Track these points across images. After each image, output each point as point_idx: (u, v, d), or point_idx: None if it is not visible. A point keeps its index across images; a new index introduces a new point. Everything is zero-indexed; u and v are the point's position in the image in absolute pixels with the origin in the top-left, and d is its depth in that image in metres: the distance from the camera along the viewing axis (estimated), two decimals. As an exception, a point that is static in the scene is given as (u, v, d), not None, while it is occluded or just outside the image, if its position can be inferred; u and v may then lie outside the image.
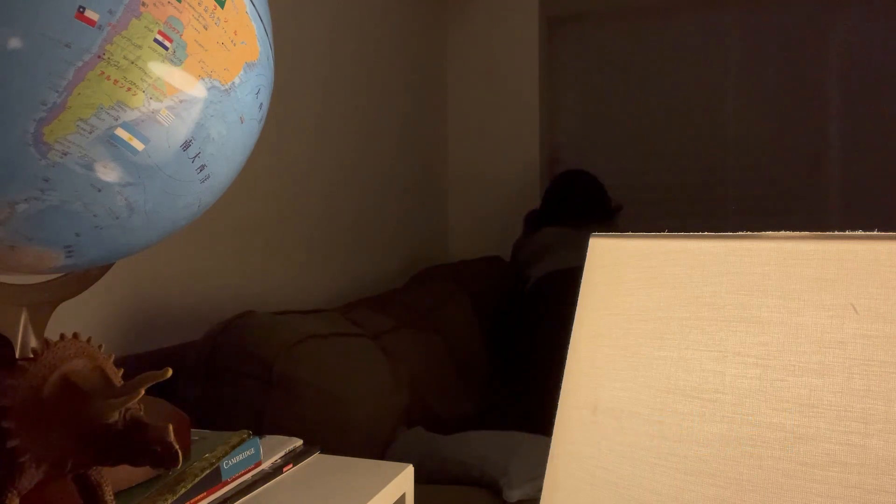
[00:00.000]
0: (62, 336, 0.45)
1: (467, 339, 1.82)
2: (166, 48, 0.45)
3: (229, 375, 1.05)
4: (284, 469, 0.74)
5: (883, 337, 0.30)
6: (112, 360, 0.48)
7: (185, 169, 0.50)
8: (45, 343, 0.45)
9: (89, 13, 0.41)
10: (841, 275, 0.31)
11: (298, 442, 0.79)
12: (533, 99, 2.57)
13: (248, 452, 0.70)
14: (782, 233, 0.33)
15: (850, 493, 0.29)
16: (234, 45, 0.50)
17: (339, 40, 1.83)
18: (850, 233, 0.32)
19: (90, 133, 0.43)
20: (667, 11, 2.52)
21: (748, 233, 0.34)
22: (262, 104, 0.57)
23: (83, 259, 0.52)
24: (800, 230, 0.33)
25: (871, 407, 0.30)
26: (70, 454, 0.43)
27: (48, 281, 0.60)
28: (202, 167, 0.52)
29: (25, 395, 0.43)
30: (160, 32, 0.44)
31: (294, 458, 0.77)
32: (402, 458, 1.14)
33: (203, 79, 0.48)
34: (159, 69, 0.45)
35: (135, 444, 0.43)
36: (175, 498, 0.58)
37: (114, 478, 0.54)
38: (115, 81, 0.43)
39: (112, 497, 0.48)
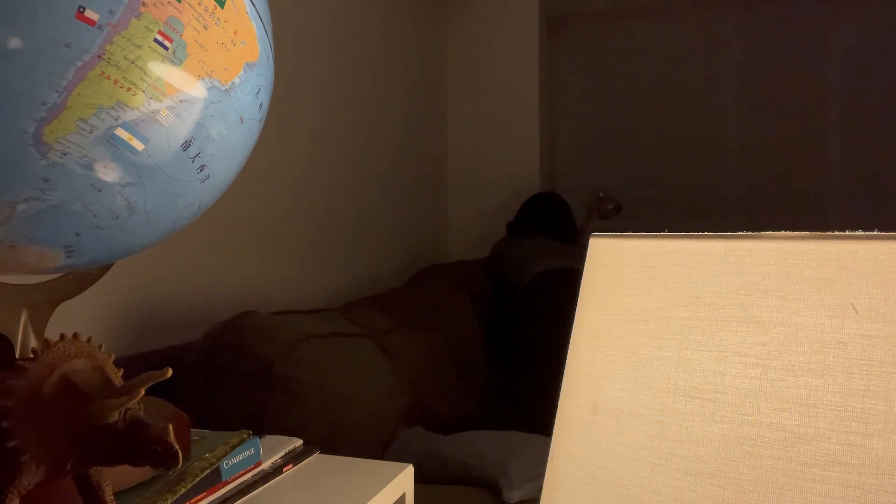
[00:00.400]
0: (62, 336, 0.45)
1: (467, 339, 1.82)
2: (166, 48, 0.45)
3: (229, 375, 1.05)
4: (284, 469, 0.74)
5: (883, 337, 0.30)
6: (112, 360, 0.48)
7: (185, 169, 0.50)
8: (45, 343, 0.45)
9: (89, 13, 0.41)
10: (841, 275, 0.31)
11: (298, 442, 0.79)
12: (533, 99, 2.57)
13: (248, 452, 0.70)
14: (782, 233, 0.33)
15: (850, 493, 0.30)
16: (234, 45, 0.50)
17: (339, 40, 1.83)
18: (850, 233, 0.32)
19: (90, 133, 0.43)
20: (667, 11, 2.52)
21: (748, 233, 0.35)
22: (262, 104, 0.57)
23: (83, 259, 0.52)
24: (800, 230, 0.33)
25: (871, 407, 0.30)
26: (70, 454, 0.43)
27: (48, 281, 0.60)
28: (202, 167, 0.52)
29: (25, 395, 0.42)
30: (160, 32, 0.44)
31: (294, 458, 0.77)
32: (402, 458, 1.14)
33: (203, 79, 0.48)
34: (159, 69, 0.45)
35: (135, 444, 0.43)
36: (175, 498, 0.58)
37: (114, 478, 0.54)
38: (115, 81, 0.43)
39: (112, 497, 0.48)
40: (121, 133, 0.45)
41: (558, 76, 2.68)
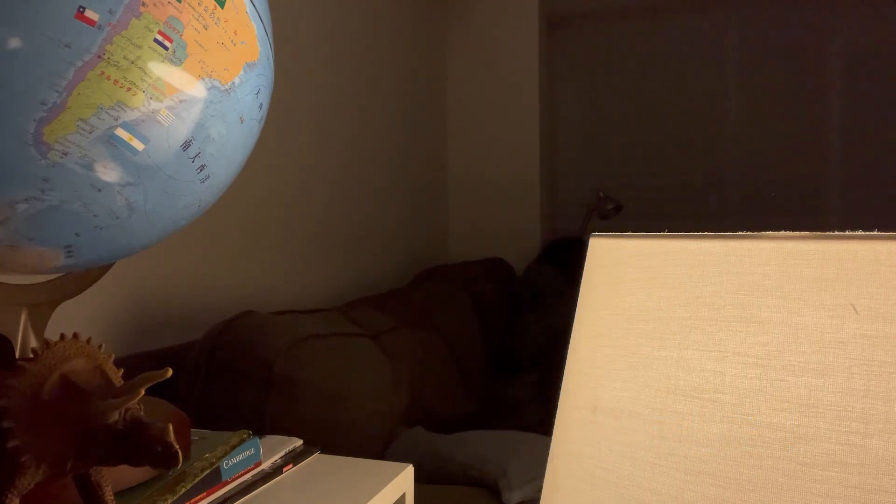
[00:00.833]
0: (62, 336, 0.45)
1: (467, 339, 1.82)
2: (166, 48, 0.45)
3: (229, 375, 1.05)
4: (284, 469, 0.74)
5: (883, 337, 0.30)
6: (112, 360, 0.48)
7: (185, 169, 0.50)
8: (45, 343, 0.45)
9: (89, 13, 0.41)
10: (841, 275, 0.31)
11: (298, 442, 0.79)
12: (533, 99, 2.57)
13: (248, 452, 0.70)
14: (782, 233, 0.33)
15: (850, 493, 0.29)
16: (234, 45, 0.50)
17: (340, 40, 1.83)
18: (850, 233, 0.32)
19: (90, 133, 0.43)
20: (667, 11, 2.52)
21: (748, 233, 0.34)
22: (262, 104, 0.57)
23: (83, 259, 0.52)
24: (800, 230, 0.33)
25: (871, 407, 0.30)
26: (70, 454, 0.43)
27: (48, 281, 0.60)
28: (202, 167, 0.52)
29: (25, 395, 0.42)
30: (160, 32, 0.44)
31: (294, 458, 0.77)
32: (402, 458, 1.14)
33: (203, 79, 0.48)
34: (159, 69, 0.45)
35: (135, 444, 0.43)
36: (175, 498, 0.58)
37: (114, 478, 0.54)
38: (115, 81, 0.43)
39: (112, 497, 0.48)
40: (121, 133, 0.45)
41: (558, 76, 2.68)
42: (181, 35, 0.46)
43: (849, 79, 2.33)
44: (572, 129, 2.67)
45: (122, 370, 0.48)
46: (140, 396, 0.43)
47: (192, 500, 0.61)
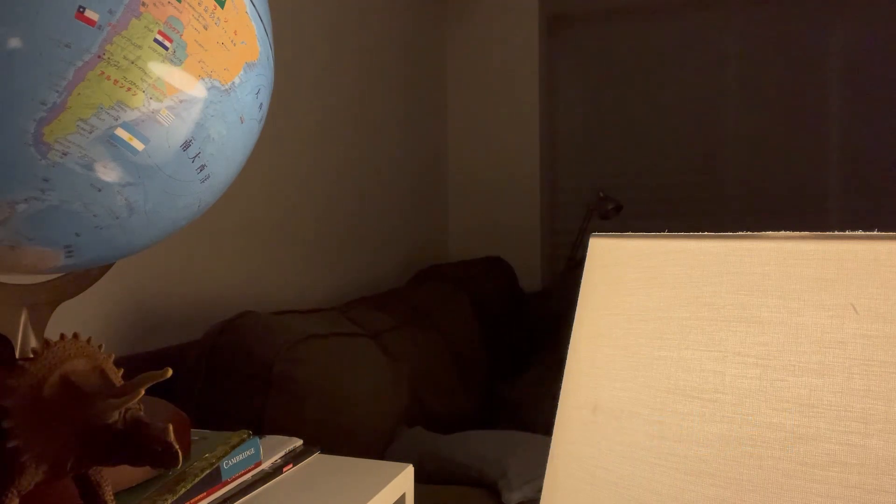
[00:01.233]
0: (62, 336, 0.45)
1: (467, 339, 1.82)
2: (166, 48, 0.45)
3: (229, 375, 1.05)
4: (284, 469, 0.74)
5: (883, 337, 0.30)
6: (112, 360, 0.48)
7: (185, 169, 0.50)
8: (45, 343, 0.45)
9: (89, 13, 0.41)
10: (841, 275, 0.31)
11: (298, 442, 0.79)
12: (533, 99, 2.57)
13: (248, 452, 0.70)
14: (782, 233, 0.33)
15: (850, 493, 0.30)
16: (234, 45, 0.50)
17: (339, 40, 1.83)
18: (850, 233, 0.32)
19: (90, 133, 0.43)
20: (667, 11, 2.52)
21: (748, 233, 0.35)
22: (262, 104, 0.57)
23: (83, 259, 0.52)
24: (800, 230, 0.33)
25: (871, 407, 0.30)
26: (70, 454, 0.43)
27: (48, 281, 0.60)
28: (202, 167, 0.52)
29: (25, 395, 0.42)
30: (160, 32, 0.44)
31: (294, 458, 0.77)
32: (402, 458, 1.14)
33: (203, 79, 0.48)
34: (159, 69, 0.45)
35: (135, 444, 0.43)
36: (175, 498, 0.58)
37: (114, 478, 0.54)
38: (115, 81, 0.43)
39: (112, 497, 0.48)
40: (121, 133, 0.45)
41: (558, 76, 2.68)
42: (181, 35, 0.46)
43: (849, 79, 2.33)
44: (572, 129, 2.67)
45: (122, 370, 0.48)
46: (140, 396, 0.43)
47: (192, 500, 0.61)
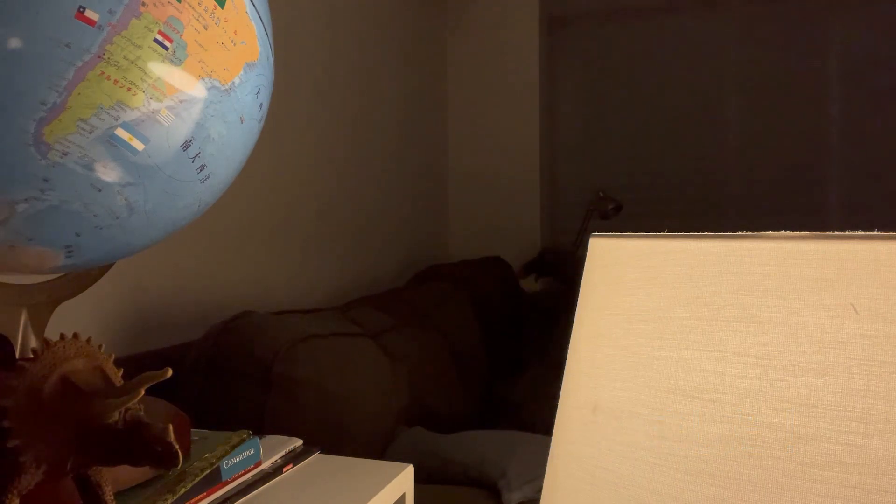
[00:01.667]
0: (62, 336, 0.45)
1: (467, 339, 1.82)
2: (166, 48, 0.45)
3: (229, 375, 1.05)
4: (284, 469, 0.74)
5: (883, 337, 0.30)
6: (112, 360, 0.48)
7: (185, 169, 0.50)
8: (45, 343, 0.45)
9: (89, 13, 0.41)
10: (841, 275, 0.31)
11: (298, 442, 0.79)
12: (533, 99, 2.57)
13: (248, 452, 0.70)
14: (782, 233, 0.33)
15: (850, 493, 0.30)
16: (234, 45, 0.50)
17: (340, 40, 1.83)
18: (850, 233, 0.32)
19: (90, 133, 0.43)
20: (667, 11, 2.52)
21: (748, 233, 0.34)
22: (262, 104, 0.57)
23: (83, 259, 0.52)
24: (800, 230, 0.33)
25: (871, 407, 0.30)
26: (70, 454, 0.43)
27: (48, 281, 0.60)
28: (202, 167, 0.52)
29: (25, 395, 0.42)
30: (160, 32, 0.44)
31: (294, 458, 0.77)
32: (402, 458, 1.14)
33: (203, 79, 0.48)
34: (159, 69, 0.45)
35: (135, 444, 0.43)
36: (175, 498, 0.58)
37: (114, 478, 0.54)
38: (115, 81, 0.43)
39: (112, 497, 0.48)
40: (121, 133, 0.45)
41: (558, 76, 2.68)
42: (181, 35, 0.46)
43: (848, 78, 2.33)
44: (572, 130, 2.67)
45: (122, 370, 0.48)
46: (140, 396, 0.43)
47: (192, 500, 0.61)
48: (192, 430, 0.70)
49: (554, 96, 2.69)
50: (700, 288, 0.34)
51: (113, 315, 1.10)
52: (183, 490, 0.59)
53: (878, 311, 0.30)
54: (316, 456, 0.81)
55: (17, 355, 0.56)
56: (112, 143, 0.45)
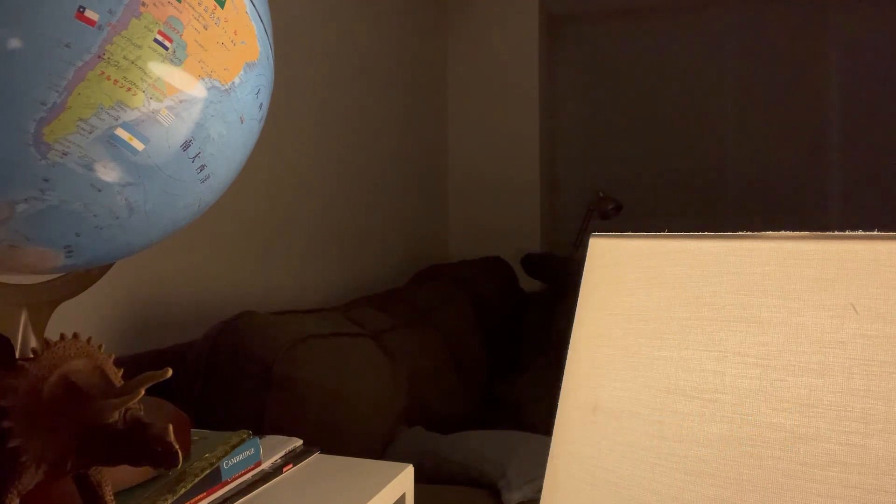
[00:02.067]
0: (62, 336, 0.45)
1: (467, 339, 1.82)
2: (166, 48, 0.45)
3: (229, 375, 1.05)
4: (284, 469, 0.74)
5: (883, 337, 0.30)
6: (112, 360, 0.48)
7: (185, 169, 0.50)
8: (45, 343, 0.45)
9: (89, 13, 0.41)
10: (841, 275, 0.31)
11: (298, 442, 0.79)
12: (533, 99, 2.57)
13: (248, 452, 0.70)
14: (782, 233, 0.33)
15: (850, 493, 0.30)
16: (234, 45, 0.50)
17: (339, 40, 1.83)
18: (850, 233, 0.32)
19: (90, 133, 0.43)
20: (667, 11, 2.52)
21: (748, 233, 0.34)
22: (262, 104, 0.57)
23: (83, 259, 0.52)
24: (800, 230, 0.33)
25: (871, 407, 0.30)
26: (70, 454, 0.43)
27: (48, 281, 0.60)
28: (202, 167, 0.52)
29: (25, 395, 0.42)
30: (160, 32, 0.44)
31: (294, 458, 0.77)
32: (402, 458, 1.14)
33: (203, 79, 0.48)
34: (159, 69, 0.45)
35: (135, 444, 0.43)
36: (175, 498, 0.58)
37: (114, 478, 0.54)
38: (115, 81, 0.43)
39: (112, 497, 0.48)
40: (121, 133, 0.45)
41: (558, 76, 2.68)
42: (181, 35, 0.46)
43: (848, 79, 2.33)
44: (572, 129, 2.67)
45: (122, 370, 0.48)
46: (140, 396, 0.43)
47: (192, 500, 0.61)
48: (192, 430, 0.70)
49: (554, 96, 2.69)
50: (700, 288, 0.34)
51: (113, 315, 1.10)
52: (183, 490, 0.59)
53: (878, 311, 0.30)
54: (316, 456, 0.81)
55: (17, 355, 0.56)
56: (112, 143, 0.45)
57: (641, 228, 2.56)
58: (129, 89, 0.44)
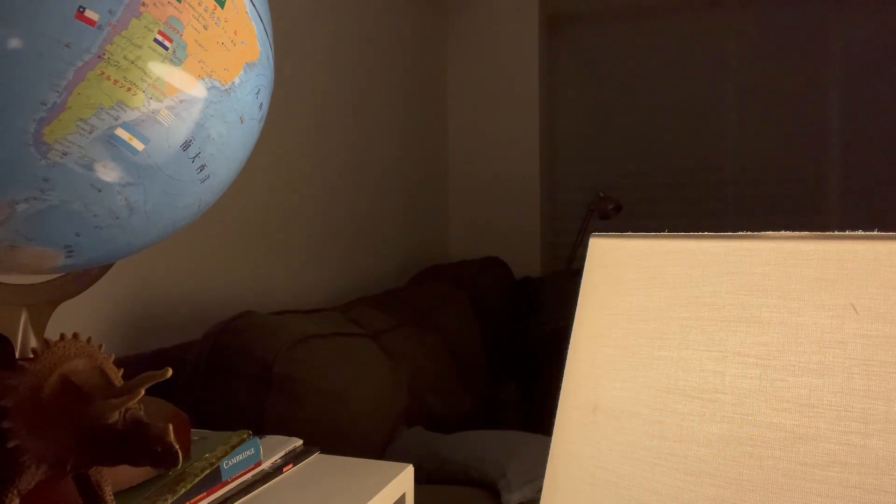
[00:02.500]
0: (62, 336, 0.45)
1: (467, 339, 1.82)
2: (166, 48, 0.45)
3: (229, 375, 1.05)
4: (284, 469, 0.74)
5: (883, 337, 0.30)
6: (112, 360, 0.48)
7: (185, 169, 0.50)
8: (45, 343, 0.45)
9: (89, 13, 0.41)
10: (841, 275, 0.31)
11: (298, 442, 0.79)
12: (533, 99, 2.57)
13: (248, 452, 0.70)
14: (782, 233, 0.33)
15: (850, 493, 0.30)
16: (234, 45, 0.50)
17: (339, 40, 1.83)
18: (850, 233, 0.32)
19: (90, 133, 0.43)
20: (667, 11, 2.52)
21: (748, 233, 0.35)
22: (262, 104, 0.57)
23: (83, 259, 0.52)
24: (800, 230, 0.33)
25: (871, 407, 0.30)
26: (70, 454, 0.43)
27: (48, 281, 0.60)
28: (202, 167, 0.52)
29: (25, 395, 0.42)
30: (160, 32, 0.44)
31: (294, 458, 0.77)
32: (402, 458, 1.14)
33: (203, 79, 0.48)
34: (159, 69, 0.45)
35: (135, 444, 0.43)
36: (175, 498, 0.58)
37: (114, 478, 0.54)
38: (115, 81, 0.43)
39: (112, 497, 0.48)
40: (121, 133, 0.45)
41: (558, 76, 2.68)
42: (181, 35, 0.46)
43: (849, 78, 2.33)
44: (572, 129, 2.67)
45: (122, 370, 0.48)
46: (140, 396, 0.43)
47: (192, 500, 0.61)
48: (192, 430, 0.70)
49: (554, 96, 2.69)
50: (700, 288, 0.34)
51: (113, 315, 1.10)
52: (183, 490, 0.59)
53: (878, 311, 0.30)
54: (316, 456, 0.81)
55: (17, 355, 0.56)
56: (112, 143, 0.45)
57: (641, 228, 2.56)
58: (129, 89, 0.44)
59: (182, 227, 0.57)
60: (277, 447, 0.76)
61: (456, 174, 2.67)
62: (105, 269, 0.65)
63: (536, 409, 1.85)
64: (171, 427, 0.43)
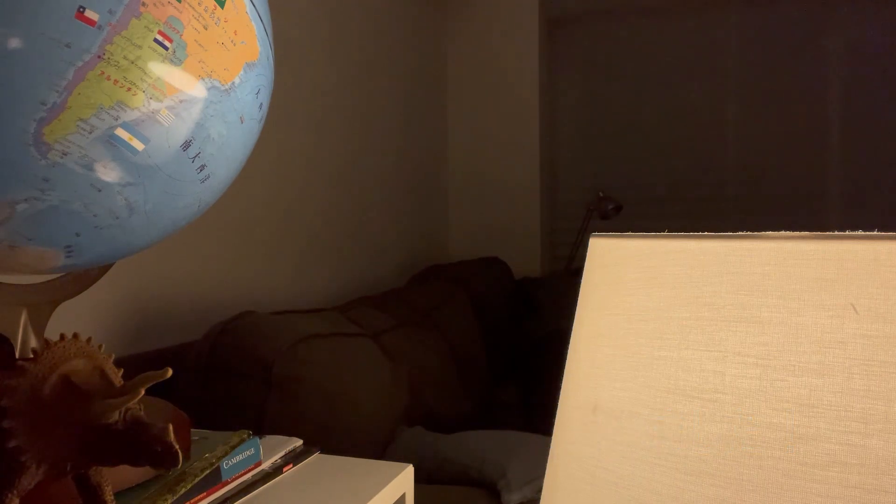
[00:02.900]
0: (62, 336, 0.45)
1: (467, 339, 1.82)
2: (166, 48, 0.45)
3: (229, 375, 1.05)
4: (284, 469, 0.74)
5: (883, 337, 0.30)
6: (112, 360, 0.48)
7: (185, 169, 0.50)
8: (45, 343, 0.45)
9: (89, 13, 0.41)
10: (841, 275, 0.31)
11: (298, 442, 0.79)
12: (533, 99, 2.57)
13: (248, 452, 0.70)
14: (782, 233, 0.33)
15: (850, 493, 0.29)
16: (234, 45, 0.50)
17: (339, 40, 1.83)
18: (850, 233, 0.32)
19: (90, 133, 0.43)
20: (667, 11, 2.52)
21: (748, 233, 0.35)
22: (262, 104, 0.57)
23: (83, 259, 0.52)
24: (800, 230, 0.33)
25: (871, 407, 0.30)
26: (70, 454, 0.43)
27: (48, 281, 0.60)
28: (202, 167, 0.52)
29: (25, 395, 0.42)
30: (160, 32, 0.44)
31: (294, 458, 0.77)
32: (402, 458, 1.14)
33: (203, 79, 0.48)
34: (159, 69, 0.45)
35: (135, 444, 0.43)
36: (175, 498, 0.58)
37: (114, 478, 0.54)
38: (115, 81, 0.43)
39: (112, 497, 0.48)
40: (121, 133, 0.45)
41: (558, 76, 2.68)
42: (181, 35, 0.46)
43: (849, 79, 2.33)
44: (572, 130, 2.67)
45: (122, 370, 0.48)
46: (140, 396, 0.43)
47: (192, 500, 0.61)
48: (192, 430, 0.70)
49: (554, 96, 2.69)
50: (700, 288, 0.34)
51: (113, 315, 1.10)
52: (183, 490, 0.59)
53: (878, 311, 0.30)
54: (316, 456, 0.81)
55: (17, 355, 0.56)
56: (112, 143, 0.45)
57: (641, 228, 2.56)
58: (129, 89, 0.44)
59: (182, 227, 0.57)
60: (277, 447, 0.76)
61: (456, 174, 2.67)
62: (105, 269, 0.65)
63: (536, 410, 1.85)
64: (171, 427, 0.43)
